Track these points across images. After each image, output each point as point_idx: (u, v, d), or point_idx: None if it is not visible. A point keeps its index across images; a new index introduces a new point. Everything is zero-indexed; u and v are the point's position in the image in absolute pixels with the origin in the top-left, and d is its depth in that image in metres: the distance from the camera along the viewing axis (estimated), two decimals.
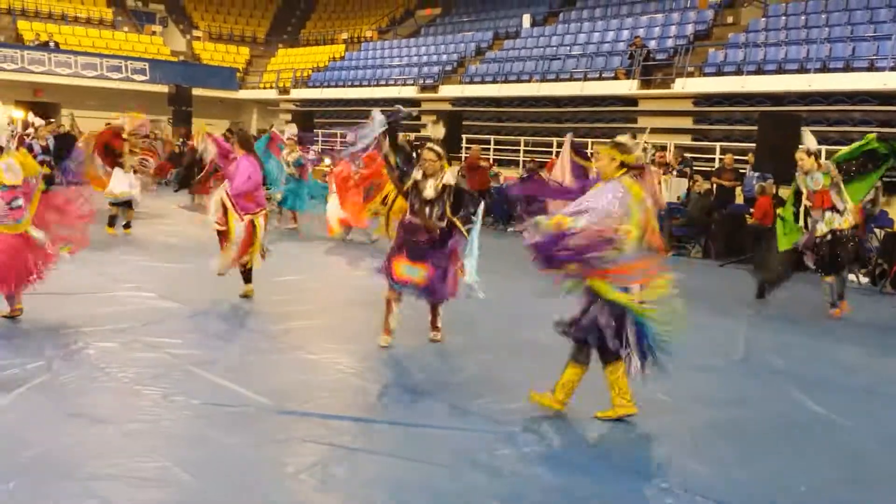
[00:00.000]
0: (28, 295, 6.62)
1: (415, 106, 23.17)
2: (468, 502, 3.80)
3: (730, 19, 20.61)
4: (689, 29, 20.14)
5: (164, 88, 25.65)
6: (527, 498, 3.90)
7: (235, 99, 30.61)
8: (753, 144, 13.33)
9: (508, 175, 17.74)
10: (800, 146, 8.37)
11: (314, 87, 27.82)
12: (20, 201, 6.34)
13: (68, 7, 32.25)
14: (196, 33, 34.81)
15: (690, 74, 18.13)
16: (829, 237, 8.05)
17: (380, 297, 6.42)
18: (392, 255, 6.25)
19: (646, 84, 18.68)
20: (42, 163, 9.86)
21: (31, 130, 15.59)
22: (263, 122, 29.47)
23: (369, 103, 22.04)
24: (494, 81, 22.15)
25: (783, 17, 18.64)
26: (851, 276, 9.36)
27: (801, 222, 8.27)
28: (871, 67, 15.22)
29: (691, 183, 13.88)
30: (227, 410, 4.80)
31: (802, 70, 16.04)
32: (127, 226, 11.59)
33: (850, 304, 8.32)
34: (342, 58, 29.79)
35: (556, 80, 20.54)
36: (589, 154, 6.29)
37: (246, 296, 7.75)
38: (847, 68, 15.58)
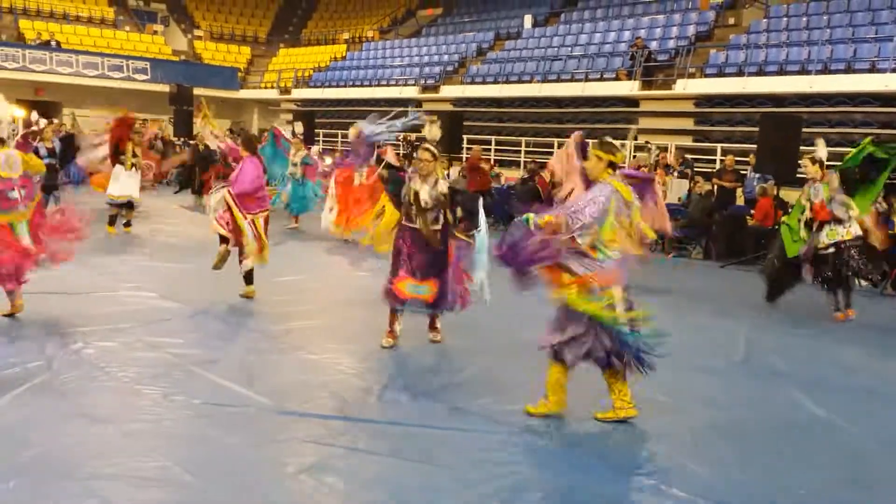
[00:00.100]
0: (28, 294, 6.63)
1: (416, 106, 23.14)
2: (468, 502, 3.81)
3: (731, 20, 20.59)
4: (691, 30, 20.13)
5: (166, 88, 25.61)
6: (527, 498, 3.91)
7: (237, 99, 30.62)
8: (754, 146, 13.31)
9: (509, 176, 17.73)
10: (806, 155, 8.32)
11: (315, 87, 27.82)
12: (15, 193, 6.40)
13: (70, 6, 32.27)
14: (197, 33, 34.85)
15: (692, 75, 18.11)
16: (831, 249, 8.03)
17: (380, 297, 6.42)
18: (394, 277, 6.22)
19: (647, 85, 18.67)
20: (48, 166, 9.95)
21: (35, 129, 15.60)
22: (264, 122, 29.45)
23: (370, 103, 22.12)
24: (496, 82, 22.14)
25: (784, 19, 18.62)
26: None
27: (804, 232, 8.25)
28: (873, 69, 15.21)
29: (692, 184, 13.90)
30: (227, 410, 4.80)
31: (804, 71, 16.03)
32: (127, 224, 11.62)
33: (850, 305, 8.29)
34: (343, 58, 29.79)
35: (558, 80, 20.52)
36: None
37: (247, 296, 7.77)
38: (848, 70, 15.57)
